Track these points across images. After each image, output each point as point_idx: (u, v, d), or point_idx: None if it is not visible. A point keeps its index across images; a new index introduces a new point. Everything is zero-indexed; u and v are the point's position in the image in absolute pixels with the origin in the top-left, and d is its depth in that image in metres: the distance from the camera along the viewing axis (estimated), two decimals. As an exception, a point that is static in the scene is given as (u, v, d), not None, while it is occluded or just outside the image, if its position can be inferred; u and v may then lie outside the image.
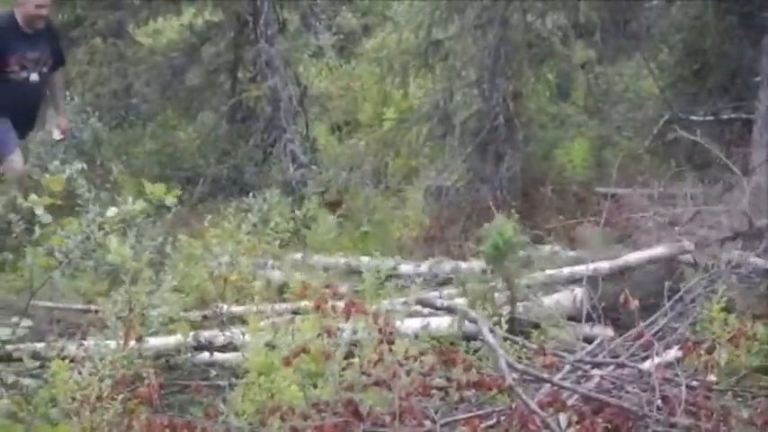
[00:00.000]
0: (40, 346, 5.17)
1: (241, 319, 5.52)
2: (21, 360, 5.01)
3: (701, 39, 8.65)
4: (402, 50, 8.30)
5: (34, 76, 8.01)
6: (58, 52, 8.32)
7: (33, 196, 5.09)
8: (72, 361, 4.78)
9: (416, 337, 5.38)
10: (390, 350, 4.48)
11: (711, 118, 8.30)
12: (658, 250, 6.33)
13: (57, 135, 8.35)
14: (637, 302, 5.07)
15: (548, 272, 6.22)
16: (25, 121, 8.08)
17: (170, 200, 5.24)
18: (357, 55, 11.17)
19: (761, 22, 7.46)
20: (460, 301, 5.89)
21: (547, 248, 6.81)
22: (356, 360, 4.69)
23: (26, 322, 4.99)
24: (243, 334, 5.17)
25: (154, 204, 5.30)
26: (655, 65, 9.09)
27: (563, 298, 5.99)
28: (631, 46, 9.16)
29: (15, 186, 7.24)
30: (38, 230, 5.30)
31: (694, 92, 8.62)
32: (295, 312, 5.29)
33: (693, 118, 8.31)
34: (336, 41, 11.27)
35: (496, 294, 5.80)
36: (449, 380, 4.67)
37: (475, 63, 7.66)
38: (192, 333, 5.43)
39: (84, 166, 6.82)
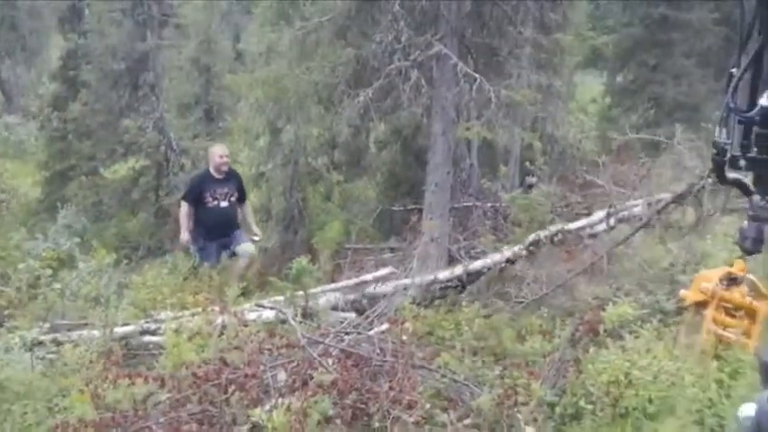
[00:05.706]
0: (58, 335, 7.48)
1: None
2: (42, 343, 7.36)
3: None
4: None
5: (224, 204, 10.56)
6: (241, 189, 10.83)
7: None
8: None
9: (253, 322, 7.50)
10: (242, 330, 6.63)
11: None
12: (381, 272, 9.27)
13: (256, 238, 10.91)
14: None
15: (321, 287, 8.84)
16: (222, 234, 10.49)
17: (108, 259, 8.21)
18: None
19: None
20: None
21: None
22: (225, 336, 6.66)
23: (46, 325, 7.50)
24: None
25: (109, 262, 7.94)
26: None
27: (332, 298, 8.73)
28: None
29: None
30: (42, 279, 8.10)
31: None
32: (192, 315, 7.60)
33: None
34: None
35: (298, 299, 8.23)
36: (272, 345, 6.53)
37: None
38: (138, 323, 7.59)
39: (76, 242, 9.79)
